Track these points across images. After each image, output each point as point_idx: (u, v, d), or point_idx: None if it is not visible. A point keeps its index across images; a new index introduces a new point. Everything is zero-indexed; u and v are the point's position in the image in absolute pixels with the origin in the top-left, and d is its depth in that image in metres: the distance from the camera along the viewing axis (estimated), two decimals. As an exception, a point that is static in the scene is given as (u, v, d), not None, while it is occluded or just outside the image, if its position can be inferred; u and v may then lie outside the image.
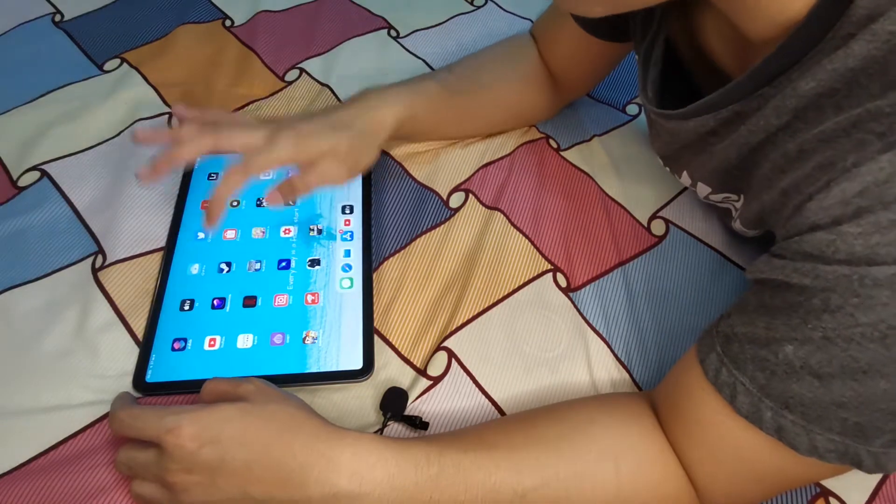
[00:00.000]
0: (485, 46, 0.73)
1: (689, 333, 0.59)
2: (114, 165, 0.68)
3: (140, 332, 0.56)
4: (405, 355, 0.57)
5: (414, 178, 0.69)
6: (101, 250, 0.61)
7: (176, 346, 0.55)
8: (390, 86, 0.64)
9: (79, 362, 0.54)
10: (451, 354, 0.56)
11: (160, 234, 0.63)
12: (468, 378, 0.55)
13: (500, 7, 0.93)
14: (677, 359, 0.47)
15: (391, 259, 0.63)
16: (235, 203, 0.65)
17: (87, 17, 0.86)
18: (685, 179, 0.57)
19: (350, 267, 0.61)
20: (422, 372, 0.56)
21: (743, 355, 0.39)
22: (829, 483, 0.51)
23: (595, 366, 0.56)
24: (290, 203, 0.58)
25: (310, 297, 0.59)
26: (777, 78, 0.39)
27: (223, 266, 0.60)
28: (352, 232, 0.63)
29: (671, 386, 0.46)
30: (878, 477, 0.51)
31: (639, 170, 0.71)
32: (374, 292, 0.59)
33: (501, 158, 0.71)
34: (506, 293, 0.61)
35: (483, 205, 0.67)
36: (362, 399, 0.54)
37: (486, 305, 0.60)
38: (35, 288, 0.59)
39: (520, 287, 0.61)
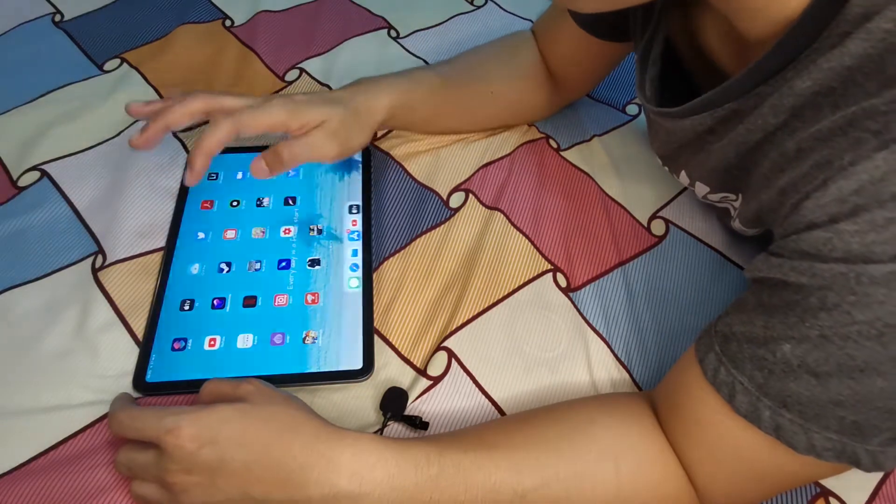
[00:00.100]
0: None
1: (688, 333, 0.59)
2: (114, 165, 0.68)
3: (140, 332, 0.56)
4: (405, 355, 0.57)
5: (414, 178, 0.69)
6: (101, 250, 0.61)
7: (176, 346, 0.55)
8: (388, 74, 0.65)
9: (79, 362, 0.54)
10: (451, 354, 0.56)
11: (160, 234, 0.63)
12: (468, 378, 0.55)
13: (500, 7, 0.93)
14: (677, 359, 0.47)
15: (391, 259, 0.63)
16: (235, 203, 0.65)
17: (87, 17, 0.86)
18: (683, 179, 0.57)
19: (357, 266, 0.61)
20: (422, 372, 0.56)
21: (741, 354, 0.39)
22: (829, 483, 0.51)
23: (595, 366, 0.56)
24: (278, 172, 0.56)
25: (310, 297, 0.59)
26: (774, 76, 0.39)
27: (223, 266, 0.61)
28: (359, 232, 0.64)
29: (670, 386, 0.46)
30: (877, 476, 0.51)
31: (639, 170, 0.71)
32: (374, 292, 0.59)
33: (501, 158, 0.71)
34: (506, 293, 0.61)
35: (483, 205, 0.67)
36: (362, 399, 0.54)
37: (486, 305, 0.60)
38: (35, 288, 0.59)
39: (520, 287, 0.61)
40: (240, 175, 0.67)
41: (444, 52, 0.84)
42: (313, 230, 0.63)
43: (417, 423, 0.52)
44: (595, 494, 0.44)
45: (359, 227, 0.64)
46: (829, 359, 0.35)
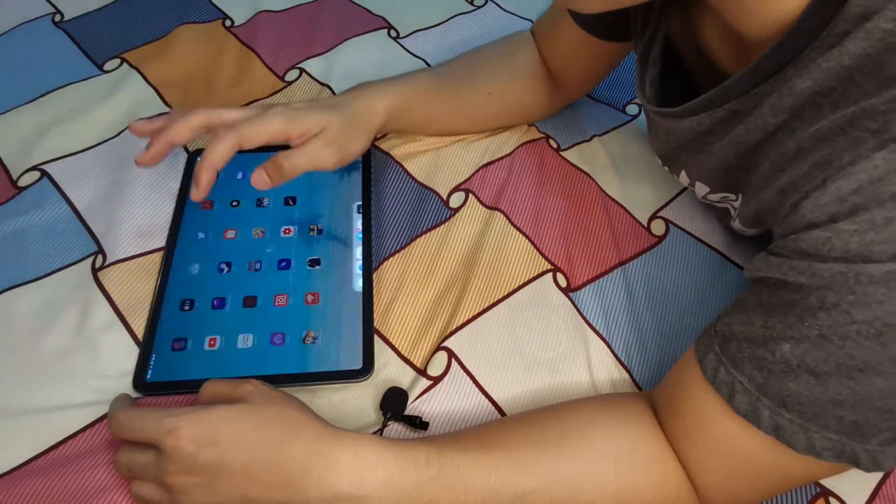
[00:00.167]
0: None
1: (688, 333, 0.59)
2: (114, 165, 0.68)
3: (140, 332, 0.56)
4: (405, 355, 0.57)
5: (414, 178, 0.69)
6: (101, 250, 0.61)
7: (176, 346, 0.55)
8: (387, 78, 0.65)
9: (79, 362, 0.54)
10: (451, 354, 0.56)
11: (160, 234, 0.63)
12: (468, 378, 0.55)
13: (500, 7, 0.93)
14: (677, 359, 0.47)
15: (391, 259, 0.63)
16: (235, 203, 0.65)
17: (87, 17, 0.86)
18: (683, 179, 0.57)
19: (360, 266, 0.61)
20: (422, 372, 0.56)
21: (740, 354, 0.39)
22: (828, 483, 0.51)
23: (595, 366, 0.56)
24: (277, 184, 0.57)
25: (310, 297, 0.59)
26: (773, 76, 0.39)
27: (223, 266, 0.61)
28: (360, 231, 0.64)
29: (670, 386, 0.46)
30: (877, 476, 0.51)
31: (639, 170, 0.71)
32: (374, 292, 0.59)
33: (501, 158, 0.71)
34: (506, 293, 0.61)
35: (483, 205, 0.67)
36: (362, 399, 0.54)
37: (486, 305, 0.60)
38: (35, 288, 0.59)
39: (520, 287, 0.61)
40: (240, 175, 0.67)
41: (444, 52, 0.84)
42: (313, 230, 0.63)
43: (417, 424, 0.52)
44: (595, 495, 0.44)
45: (359, 227, 0.64)
46: (828, 358, 0.35)
